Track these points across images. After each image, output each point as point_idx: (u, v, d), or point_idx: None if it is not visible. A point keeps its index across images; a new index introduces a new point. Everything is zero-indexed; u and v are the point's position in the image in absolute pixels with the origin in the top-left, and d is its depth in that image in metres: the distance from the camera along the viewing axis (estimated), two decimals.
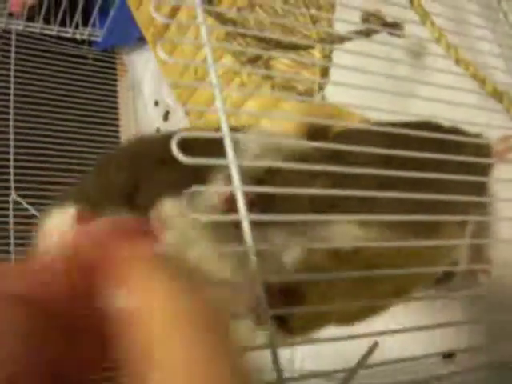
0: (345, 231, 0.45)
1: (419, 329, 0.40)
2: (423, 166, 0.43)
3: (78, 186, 0.56)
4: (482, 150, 0.54)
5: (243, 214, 0.36)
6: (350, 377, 0.37)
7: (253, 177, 0.44)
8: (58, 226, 0.48)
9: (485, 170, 0.54)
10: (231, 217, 0.38)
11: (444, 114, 0.52)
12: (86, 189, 0.52)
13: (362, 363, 0.36)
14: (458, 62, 0.55)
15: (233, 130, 0.39)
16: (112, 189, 0.50)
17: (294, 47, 0.77)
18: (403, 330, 0.38)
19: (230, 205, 0.43)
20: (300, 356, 0.83)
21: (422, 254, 0.47)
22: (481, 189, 0.52)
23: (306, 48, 0.79)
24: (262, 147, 0.51)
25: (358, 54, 0.52)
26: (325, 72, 0.87)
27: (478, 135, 0.56)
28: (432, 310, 0.75)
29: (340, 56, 0.80)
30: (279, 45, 0.74)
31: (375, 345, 0.38)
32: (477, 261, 0.58)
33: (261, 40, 0.72)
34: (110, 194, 0.49)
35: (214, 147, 0.37)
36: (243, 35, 0.79)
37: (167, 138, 0.36)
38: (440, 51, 0.56)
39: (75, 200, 0.49)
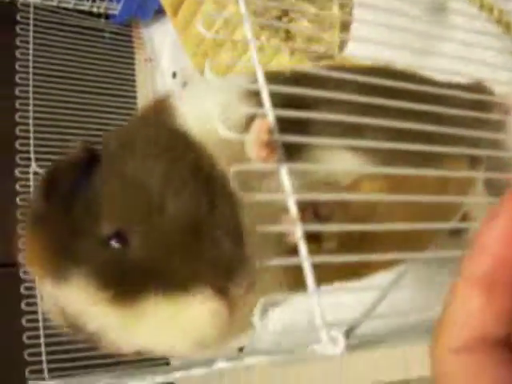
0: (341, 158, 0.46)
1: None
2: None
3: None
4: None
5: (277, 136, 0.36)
6: (381, 297, 0.37)
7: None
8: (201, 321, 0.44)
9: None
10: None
11: (465, 70, 0.52)
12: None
13: (395, 283, 0.37)
14: (481, 7, 0.55)
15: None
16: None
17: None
18: None
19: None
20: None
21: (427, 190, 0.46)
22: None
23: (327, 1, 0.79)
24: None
25: (379, 9, 0.52)
26: (345, 28, 0.87)
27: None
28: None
29: (360, 13, 0.80)
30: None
31: (405, 270, 0.39)
32: None
33: None
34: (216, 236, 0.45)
35: None
36: None
37: None
38: (460, 6, 0.56)
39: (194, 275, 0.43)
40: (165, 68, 1.52)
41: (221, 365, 0.38)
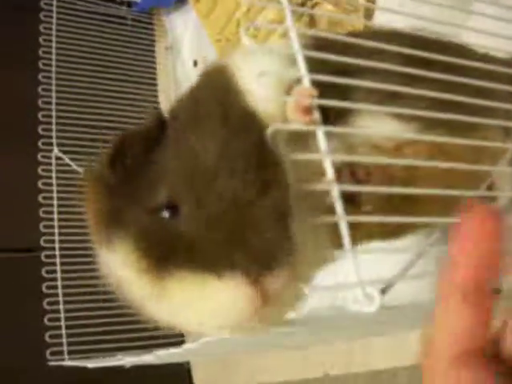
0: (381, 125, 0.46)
1: None
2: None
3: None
4: None
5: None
6: (416, 259, 0.38)
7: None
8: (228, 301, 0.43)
9: None
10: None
11: (492, 45, 0.52)
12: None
13: (431, 245, 0.37)
14: None
15: None
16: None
17: None
18: None
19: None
20: None
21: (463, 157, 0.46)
22: None
23: None
24: None
25: None
26: (369, 15, 0.87)
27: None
28: None
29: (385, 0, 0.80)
30: None
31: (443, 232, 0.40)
32: None
33: None
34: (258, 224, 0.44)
35: None
36: None
37: None
38: None
39: (218, 260, 0.43)
40: (186, 56, 1.53)
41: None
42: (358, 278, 0.35)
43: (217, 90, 0.48)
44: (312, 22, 0.96)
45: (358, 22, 0.92)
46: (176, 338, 1.35)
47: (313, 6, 0.96)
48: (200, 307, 0.42)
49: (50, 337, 1.22)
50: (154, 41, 1.59)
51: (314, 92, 0.40)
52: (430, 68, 0.43)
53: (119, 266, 0.46)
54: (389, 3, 0.74)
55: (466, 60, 0.45)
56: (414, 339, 0.91)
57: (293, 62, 0.41)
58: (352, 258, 0.36)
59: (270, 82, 0.43)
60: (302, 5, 0.96)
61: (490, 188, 0.55)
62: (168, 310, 0.45)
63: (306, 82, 0.39)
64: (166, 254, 0.43)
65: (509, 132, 0.53)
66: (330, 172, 0.36)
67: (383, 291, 0.36)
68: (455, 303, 0.27)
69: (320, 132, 0.37)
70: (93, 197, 0.48)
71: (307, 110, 0.40)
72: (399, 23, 0.55)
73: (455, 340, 0.28)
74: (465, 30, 0.58)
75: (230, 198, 0.42)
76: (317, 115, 0.38)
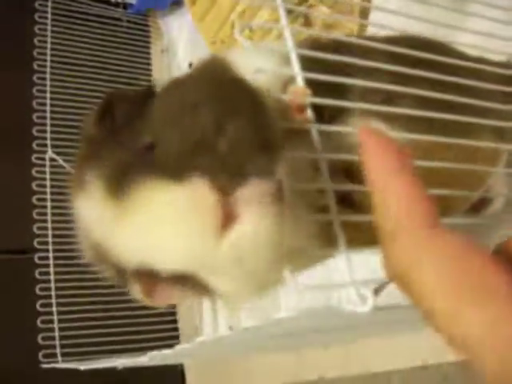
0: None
1: None
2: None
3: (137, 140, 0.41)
4: None
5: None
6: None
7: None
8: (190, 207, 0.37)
9: None
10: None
11: (489, 46, 0.52)
12: (186, 147, 0.38)
13: None
14: None
15: None
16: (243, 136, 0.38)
17: None
18: None
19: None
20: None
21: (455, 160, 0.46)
22: None
23: None
24: None
25: None
26: (364, 14, 0.87)
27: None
28: None
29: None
30: None
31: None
32: None
33: None
34: (241, 145, 0.37)
35: None
36: None
37: None
38: None
39: (189, 166, 0.37)
40: (181, 58, 1.53)
41: (247, 323, 0.39)
42: (352, 278, 0.35)
43: (210, 71, 0.46)
44: (307, 23, 0.96)
45: (352, 24, 0.92)
46: (171, 341, 1.35)
47: (309, 6, 0.96)
48: (159, 220, 0.37)
49: (43, 339, 1.21)
50: (149, 43, 1.59)
51: (308, 91, 0.39)
52: (422, 70, 0.43)
53: (90, 207, 0.40)
54: (385, 4, 0.74)
55: (459, 61, 0.45)
56: (408, 342, 0.91)
57: (287, 60, 0.41)
58: (345, 258, 0.35)
59: (265, 79, 0.42)
60: (298, 5, 0.96)
61: (486, 191, 0.56)
62: (128, 232, 0.38)
63: (300, 80, 0.39)
64: (130, 177, 0.38)
65: (502, 135, 0.53)
66: (324, 170, 0.36)
67: (376, 291, 0.35)
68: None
69: (314, 130, 0.37)
70: (79, 153, 0.44)
71: (301, 109, 0.39)
72: (395, 25, 0.55)
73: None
74: (462, 32, 0.58)
75: (202, 121, 0.37)
76: (310, 114, 0.38)
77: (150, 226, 0.37)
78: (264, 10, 1.02)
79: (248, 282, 0.39)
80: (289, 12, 1.00)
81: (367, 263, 0.40)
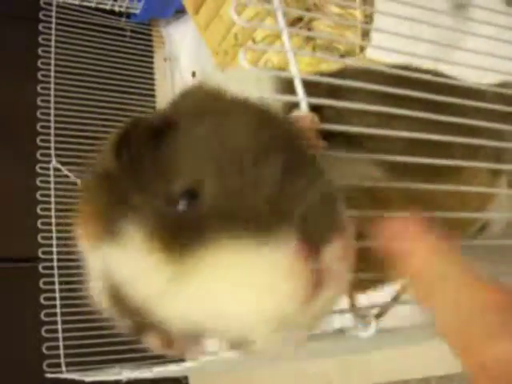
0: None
1: None
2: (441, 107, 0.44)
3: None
4: None
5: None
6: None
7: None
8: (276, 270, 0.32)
9: None
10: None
11: (486, 64, 0.52)
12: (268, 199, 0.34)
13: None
14: (509, 2, 0.56)
15: None
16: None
17: None
18: None
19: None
20: None
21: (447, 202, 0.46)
22: None
23: None
24: None
25: (401, 2, 0.53)
26: (366, 33, 0.88)
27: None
28: None
29: (384, 5, 0.80)
30: None
31: None
32: None
33: None
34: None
35: None
36: None
37: None
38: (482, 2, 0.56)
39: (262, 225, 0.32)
40: (184, 67, 1.53)
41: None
42: (354, 303, 0.35)
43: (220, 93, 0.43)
44: (309, 39, 0.96)
45: (354, 40, 0.93)
46: None
47: (310, 21, 0.96)
48: (237, 289, 0.32)
49: (47, 348, 1.22)
50: (152, 52, 1.60)
51: (315, 117, 0.40)
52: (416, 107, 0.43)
53: (127, 258, 0.35)
54: (385, 23, 0.74)
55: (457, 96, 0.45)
56: (412, 354, 0.91)
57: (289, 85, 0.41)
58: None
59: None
60: (300, 19, 0.97)
61: (484, 228, 0.56)
62: (192, 301, 0.33)
63: (304, 105, 0.40)
64: (187, 237, 0.33)
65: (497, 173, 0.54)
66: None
67: (378, 316, 0.36)
68: None
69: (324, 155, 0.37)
70: (95, 186, 0.39)
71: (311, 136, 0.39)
72: (395, 44, 0.55)
73: None
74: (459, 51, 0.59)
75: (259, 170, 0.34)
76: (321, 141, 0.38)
77: (225, 290, 0.32)
78: (268, 20, 1.02)
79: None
80: (292, 23, 1.01)
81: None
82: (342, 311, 0.36)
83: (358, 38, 0.93)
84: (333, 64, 0.96)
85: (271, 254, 0.31)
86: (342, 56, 0.91)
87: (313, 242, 0.32)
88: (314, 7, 0.94)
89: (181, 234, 0.33)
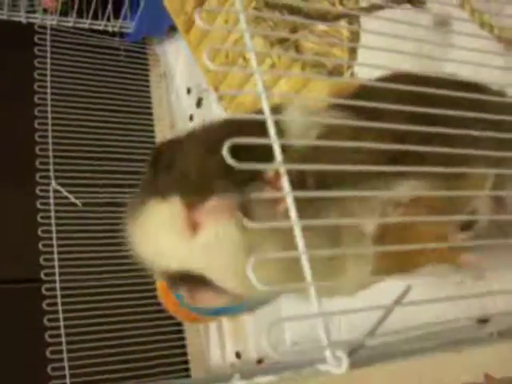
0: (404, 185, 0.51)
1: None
2: (445, 119, 0.45)
3: (156, 178, 0.57)
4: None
5: (286, 191, 0.38)
6: (385, 316, 0.39)
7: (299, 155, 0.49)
8: (169, 218, 0.52)
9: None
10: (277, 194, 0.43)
11: (470, 76, 0.53)
12: (173, 178, 0.54)
13: (399, 301, 0.38)
14: (482, 25, 0.57)
15: (272, 109, 0.42)
16: (208, 171, 0.52)
17: (323, 18, 0.78)
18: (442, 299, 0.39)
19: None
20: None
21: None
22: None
23: (335, 18, 0.81)
24: (302, 125, 0.55)
25: (386, 19, 0.53)
26: (353, 52, 0.88)
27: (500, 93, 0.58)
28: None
29: (368, 22, 0.81)
30: (308, 16, 0.76)
31: (409, 287, 0.40)
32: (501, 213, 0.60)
33: (290, 12, 0.74)
34: (207, 176, 0.52)
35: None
36: (273, 8, 0.81)
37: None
38: (464, 16, 0.57)
39: (171, 190, 0.52)
40: (179, 84, 1.54)
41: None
42: (328, 339, 0.36)
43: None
44: (298, 51, 0.97)
45: (341, 55, 0.93)
46: (179, 366, 1.36)
47: (296, 40, 0.97)
48: (150, 227, 0.53)
49: (52, 369, 1.23)
50: (147, 70, 1.61)
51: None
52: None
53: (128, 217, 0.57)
54: (372, 41, 0.75)
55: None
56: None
57: None
58: (322, 319, 0.36)
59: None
60: (287, 39, 0.97)
61: (472, 213, 0.58)
62: (139, 237, 0.55)
63: (276, 147, 0.40)
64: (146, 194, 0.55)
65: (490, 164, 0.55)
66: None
67: (352, 353, 0.36)
68: None
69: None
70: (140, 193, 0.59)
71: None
72: (381, 59, 0.56)
73: None
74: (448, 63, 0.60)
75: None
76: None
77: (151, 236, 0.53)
78: (256, 39, 1.03)
79: (237, 279, 0.51)
80: (280, 42, 1.02)
81: (350, 320, 0.41)
82: (316, 346, 0.36)
83: (344, 55, 0.94)
84: (321, 81, 0.97)
85: (167, 209, 0.52)
86: (330, 73, 0.92)
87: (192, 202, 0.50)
88: (300, 26, 0.95)
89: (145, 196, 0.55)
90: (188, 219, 0.50)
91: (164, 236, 0.52)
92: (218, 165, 0.48)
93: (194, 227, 0.51)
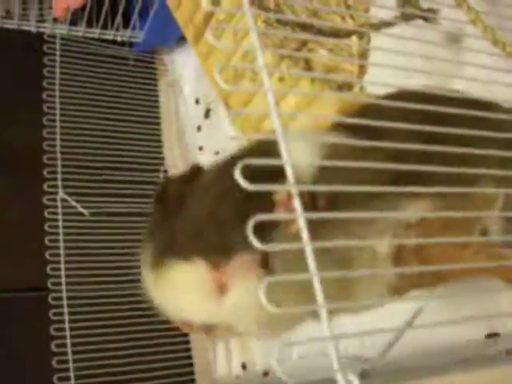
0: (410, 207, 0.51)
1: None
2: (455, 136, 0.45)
3: (168, 224, 0.56)
4: None
5: (299, 213, 0.38)
6: (396, 338, 0.38)
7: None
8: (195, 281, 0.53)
9: None
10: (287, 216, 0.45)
11: (482, 93, 0.53)
12: (190, 234, 0.54)
13: (410, 323, 0.38)
14: (495, 43, 0.57)
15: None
16: (225, 220, 0.52)
17: (335, 34, 0.78)
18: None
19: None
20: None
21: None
22: None
23: (347, 35, 0.81)
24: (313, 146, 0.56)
25: (397, 37, 0.53)
26: (363, 69, 0.88)
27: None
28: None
29: (379, 40, 0.81)
30: (320, 32, 0.76)
31: (420, 309, 0.40)
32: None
33: (302, 28, 0.74)
34: (225, 228, 0.52)
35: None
36: (284, 24, 0.81)
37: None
38: (477, 33, 0.57)
39: (192, 250, 0.52)
40: (188, 94, 1.55)
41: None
42: (339, 363, 0.36)
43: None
44: (308, 66, 0.97)
45: (352, 67, 0.93)
46: (185, 377, 1.35)
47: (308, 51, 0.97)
48: (174, 287, 0.54)
49: (59, 379, 1.23)
50: (156, 80, 1.62)
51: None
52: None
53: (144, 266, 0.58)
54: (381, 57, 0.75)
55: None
56: None
57: None
58: (333, 342, 0.36)
59: None
60: (298, 50, 0.97)
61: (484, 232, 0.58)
62: (160, 295, 0.56)
63: (289, 169, 0.40)
64: (162, 252, 0.55)
65: (499, 183, 0.55)
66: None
67: (364, 375, 0.36)
68: None
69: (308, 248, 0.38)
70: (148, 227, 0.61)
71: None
72: (391, 76, 0.56)
73: None
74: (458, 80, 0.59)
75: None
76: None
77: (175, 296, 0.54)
78: (266, 54, 1.03)
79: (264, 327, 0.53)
80: (290, 55, 1.02)
81: (361, 341, 0.41)
82: (327, 368, 0.36)
83: (355, 69, 0.94)
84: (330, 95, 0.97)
85: (192, 272, 0.52)
86: (339, 87, 0.92)
87: (216, 263, 0.51)
88: (310, 40, 0.95)
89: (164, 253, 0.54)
90: (214, 281, 0.51)
91: (190, 297, 0.53)
92: (233, 211, 0.50)
93: (220, 288, 0.52)
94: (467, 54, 0.66)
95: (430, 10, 0.67)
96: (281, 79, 1.01)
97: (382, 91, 0.63)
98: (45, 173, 1.35)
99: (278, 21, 0.83)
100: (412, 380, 0.42)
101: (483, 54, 0.57)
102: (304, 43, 0.96)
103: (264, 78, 0.47)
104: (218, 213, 0.52)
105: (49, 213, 1.33)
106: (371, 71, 0.85)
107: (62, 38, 1.48)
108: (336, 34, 0.79)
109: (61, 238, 1.32)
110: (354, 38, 0.83)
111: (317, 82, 0.96)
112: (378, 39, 0.84)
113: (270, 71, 1.10)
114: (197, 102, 1.49)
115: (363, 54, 0.92)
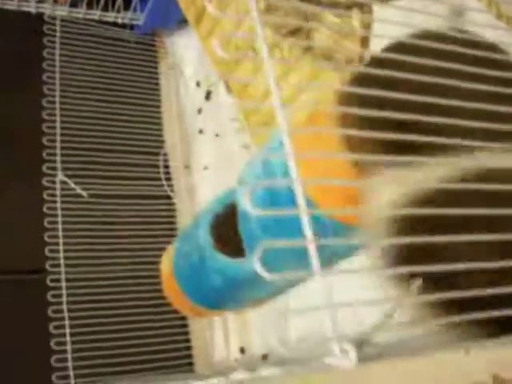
0: None
1: None
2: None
3: None
4: None
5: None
6: (393, 310, 0.38)
7: None
8: None
9: None
10: None
11: None
12: None
13: (407, 296, 0.37)
14: (499, 17, 0.56)
15: None
16: None
17: (335, 5, 0.77)
18: None
19: None
20: None
21: None
22: None
23: (348, 7, 0.80)
24: None
25: (400, 9, 0.52)
26: (365, 42, 0.87)
27: None
28: None
29: (381, 11, 0.80)
30: (320, 3, 0.75)
31: (419, 281, 0.39)
32: None
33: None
34: None
35: None
36: None
37: None
38: (481, 6, 0.56)
39: None
40: (188, 77, 1.54)
41: (239, 376, 0.39)
42: (335, 332, 0.35)
43: None
44: (308, 47, 0.96)
45: (354, 48, 0.92)
46: (184, 360, 1.35)
47: (309, 30, 0.96)
48: None
49: (56, 360, 1.22)
50: (156, 62, 1.60)
51: None
52: None
53: None
54: (385, 30, 0.74)
55: None
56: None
57: None
58: (329, 312, 0.35)
59: None
60: (297, 30, 0.96)
61: None
62: None
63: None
64: None
65: None
66: None
67: (360, 345, 0.35)
68: None
69: None
70: None
71: None
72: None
73: None
74: None
75: None
76: None
77: None
78: (266, 32, 1.02)
79: None
80: (291, 34, 1.00)
81: (354, 314, 0.40)
82: (324, 339, 0.35)
83: (357, 46, 0.92)
84: (332, 73, 0.95)
85: None
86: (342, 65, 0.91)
87: None
88: (312, 17, 0.94)
89: None
90: None
91: None
92: None
93: None
94: (471, 28, 0.64)
95: None
96: (282, 58, 1.00)
97: None
98: (44, 155, 1.34)
99: None
100: (409, 356, 0.42)
101: (487, 28, 0.56)
102: (305, 21, 0.95)
103: (263, 50, 0.46)
104: None
105: (48, 195, 1.32)
106: (374, 45, 0.84)
107: (63, 20, 1.46)
108: (335, 5, 0.78)
109: (59, 219, 1.32)
110: (356, 11, 0.81)
111: (318, 59, 0.95)
112: (381, 12, 0.82)
113: (270, 51, 1.08)
114: (197, 84, 1.48)
115: (365, 29, 0.91)
